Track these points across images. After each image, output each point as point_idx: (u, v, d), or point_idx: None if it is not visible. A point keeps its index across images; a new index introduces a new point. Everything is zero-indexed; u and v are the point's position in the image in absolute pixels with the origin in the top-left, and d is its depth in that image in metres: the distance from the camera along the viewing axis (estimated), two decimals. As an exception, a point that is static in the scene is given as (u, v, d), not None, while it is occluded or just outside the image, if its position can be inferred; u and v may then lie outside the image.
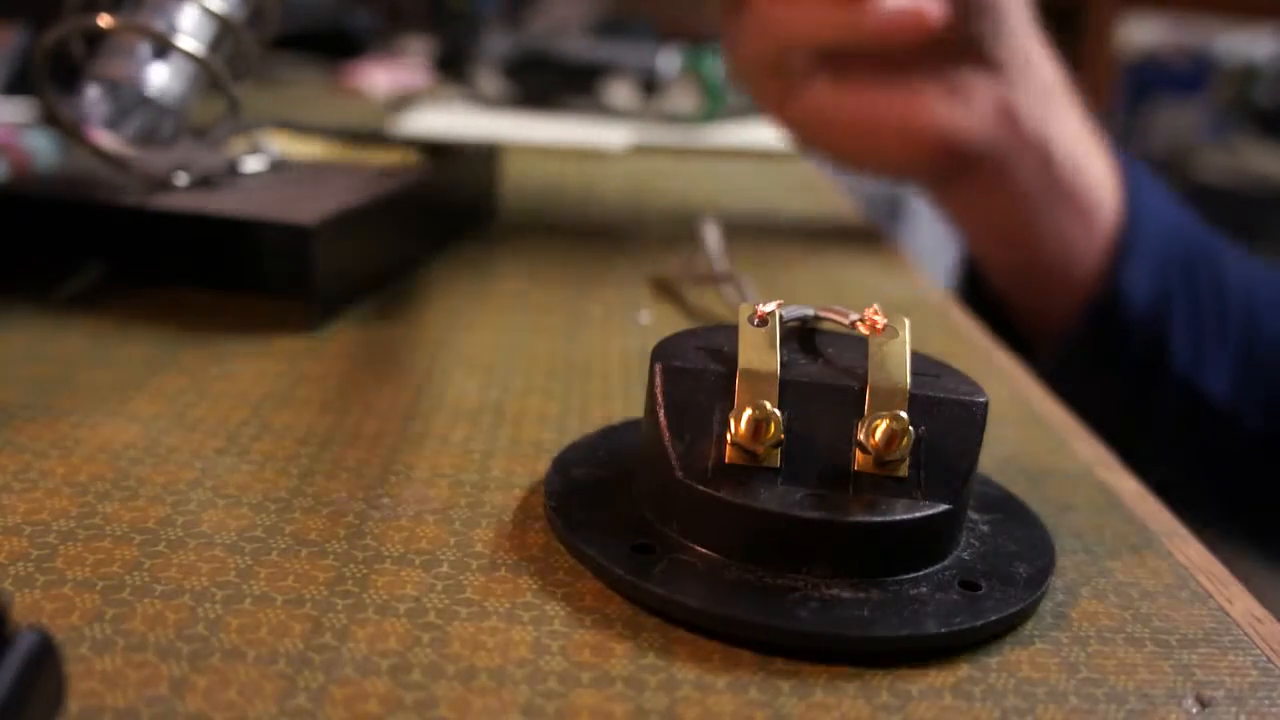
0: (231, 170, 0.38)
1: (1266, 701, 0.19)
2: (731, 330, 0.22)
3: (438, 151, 0.45)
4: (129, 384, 0.29)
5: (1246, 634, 0.21)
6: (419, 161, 0.43)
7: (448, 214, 0.44)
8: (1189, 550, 0.24)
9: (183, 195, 0.35)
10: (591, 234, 0.48)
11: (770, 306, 0.22)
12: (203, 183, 0.37)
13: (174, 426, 0.27)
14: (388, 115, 0.80)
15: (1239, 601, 0.22)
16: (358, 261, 0.36)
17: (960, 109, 0.46)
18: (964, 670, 0.19)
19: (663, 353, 0.22)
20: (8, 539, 0.21)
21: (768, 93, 0.47)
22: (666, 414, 0.21)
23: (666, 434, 0.21)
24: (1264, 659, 0.20)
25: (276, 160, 0.40)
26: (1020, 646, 0.20)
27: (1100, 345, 0.49)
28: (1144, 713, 0.19)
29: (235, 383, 0.29)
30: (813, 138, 0.48)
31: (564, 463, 0.25)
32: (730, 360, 0.22)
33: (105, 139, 0.35)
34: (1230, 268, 0.51)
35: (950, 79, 0.46)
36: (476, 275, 0.40)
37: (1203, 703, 0.19)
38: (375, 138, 0.48)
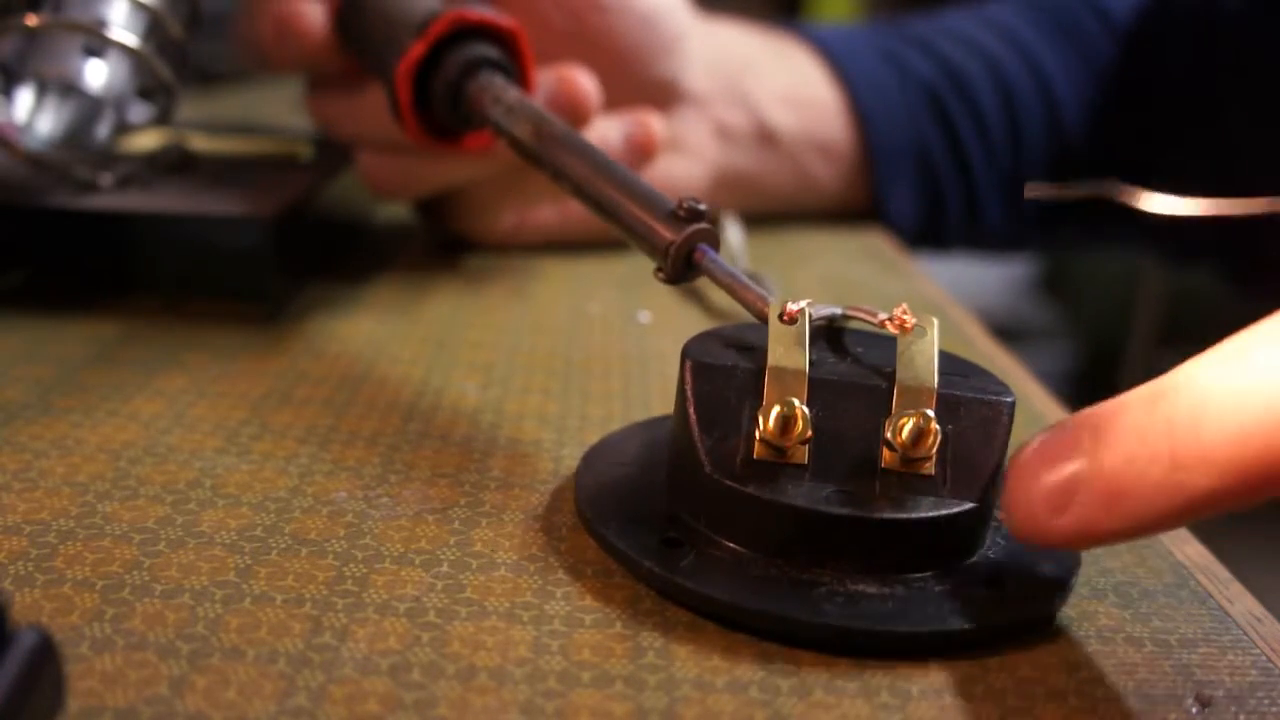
0: (149, 168, 0.37)
1: (1266, 701, 0.19)
2: (761, 328, 0.22)
3: (329, 145, 0.43)
4: (129, 384, 0.29)
5: (1246, 634, 0.21)
6: (312, 153, 0.42)
7: (353, 206, 0.43)
8: (1189, 550, 0.24)
9: (114, 195, 0.34)
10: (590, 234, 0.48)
11: (800, 304, 0.22)
12: (126, 182, 0.36)
13: (174, 426, 0.27)
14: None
15: (1239, 601, 0.22)
16: (303, 252, 0.36)
17: (683, 164, 0.46)
18: (964, 670, 0.19)
19: (693, 350, 0.23)
20: (8, 538, 0.21)
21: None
22: (696, 410, 0.22)
23: (696, 430, 0.21)
24: (1264, 659, 0.20)
25: (187, 156, 0.39)
26: (1020, 646, 0.20)
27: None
28: (1144, 713, 0.19)
29: (235, 382, 0.29)
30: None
31: (594, 457, 0.25)
32: (760, 357, 0.22)
33: (25, 140, 0.34)
34: (980, 96, 0.53)
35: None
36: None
37: (1203, 703, 0.19)
38: (269, 131, 0.47)
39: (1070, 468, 0.18)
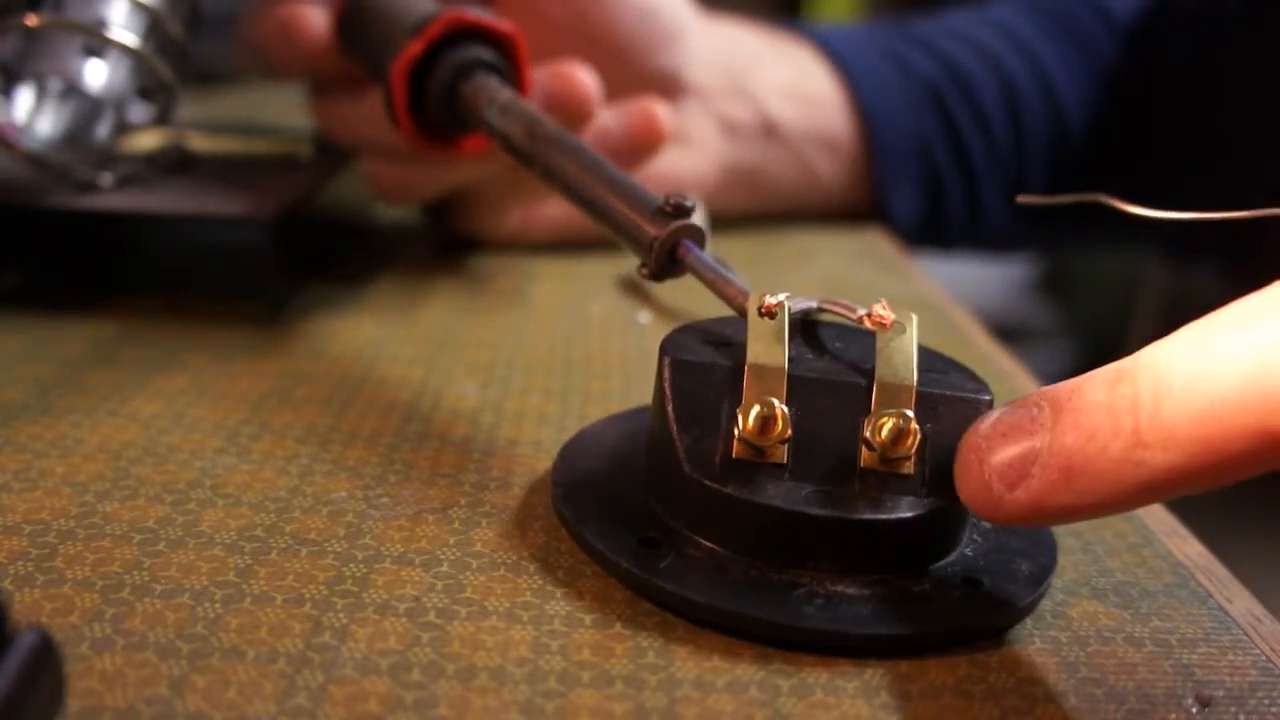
0: (149, 168, 0.37)
1: (1266, 701, 0.19)
2: (740, 322, 0.22)
3: (329, 145, 0.43)
4: (129, 384, 0.29)
5: (1246, 634, 0.21)
6: (312, 153, 0.42)
7: (353, 206, 0.43)
8: (1189, 549, 0.24)
9: (114, 195, 0.34)
10: (588, 235, 0.48)
11: (778, 298, 0.22)
12: (126, 182, 0.35)
13: (174, 426, 0.27)
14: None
15: (1239, 601, 0.22)
16: (303, 252, 0.36)
17: (689, 158, 0.46)
18: (964, 670, 0.19)
19: (671, 346, 0.22)
20: (8, 538, 0.21)
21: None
22: (674, 408, 0.21)
23: (674, 428, 0.21)
24: (1264, 659, 0.20)
25: (187, 156, 0.39)
26: (1020, 646, 0.20)
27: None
28: (1144, 713, 0.19)
29: (235, 382, 0.29)
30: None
31: (571, 453, 0.25)
32: (738, 354, 0.22)
33: (25, 140, 0.34)
34: (982, 94, 0.53)
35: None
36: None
37: (1203, 703, 0.19)
38: (269, 131, 0.47)
39: (1028, 442, 0.18)
